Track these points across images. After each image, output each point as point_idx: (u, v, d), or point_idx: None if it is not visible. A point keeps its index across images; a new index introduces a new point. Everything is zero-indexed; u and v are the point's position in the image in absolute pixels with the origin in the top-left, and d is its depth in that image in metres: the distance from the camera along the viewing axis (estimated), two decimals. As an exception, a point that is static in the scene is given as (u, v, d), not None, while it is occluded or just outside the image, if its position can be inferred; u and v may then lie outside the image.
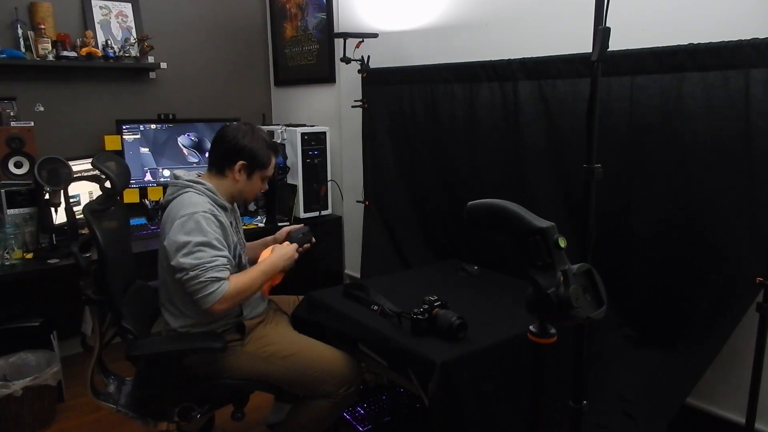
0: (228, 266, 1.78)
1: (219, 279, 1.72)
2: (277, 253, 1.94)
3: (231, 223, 1.92)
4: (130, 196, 3.09)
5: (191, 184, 1.85)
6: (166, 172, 3.20)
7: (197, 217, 1.74)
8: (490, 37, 2.42)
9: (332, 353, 1.90)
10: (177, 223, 1.74)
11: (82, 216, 2.63)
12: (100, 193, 1.88)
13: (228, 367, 1.85)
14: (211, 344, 1.77)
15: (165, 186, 3.21)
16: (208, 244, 1.73)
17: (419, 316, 1.70)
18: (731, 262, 1.76)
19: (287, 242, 2.03)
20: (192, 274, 1.71)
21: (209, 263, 1.72)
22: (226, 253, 1.79)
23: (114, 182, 1.82)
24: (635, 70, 1.86)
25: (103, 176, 1.81)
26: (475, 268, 2.29)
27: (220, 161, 1.91)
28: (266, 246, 2.10)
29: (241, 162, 1.88)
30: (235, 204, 2.05)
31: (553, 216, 1.16)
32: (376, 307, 1.88)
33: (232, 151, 1.89)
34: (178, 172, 1.94)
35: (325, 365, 1.85)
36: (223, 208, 1.90)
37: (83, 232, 2.51)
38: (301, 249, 2.03)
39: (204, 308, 1.73)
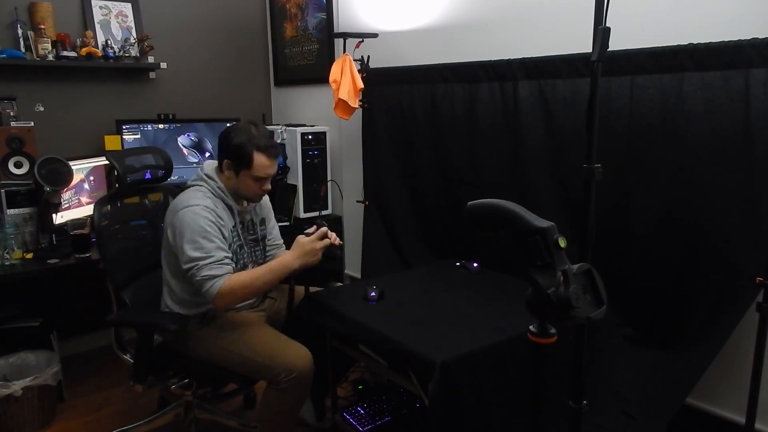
0: (226, 263, 1.81)
1: (213, 277, 1.77)
2: (293, 253, 1.90)
3: (235, 225, 1.96)
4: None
5: (206, 180, 1.93)
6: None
7: (196, 210, 1.82)
8: (490, 37, 2.42)
9: (282, 342, 1.90)
10: (178, 215, 1.83)
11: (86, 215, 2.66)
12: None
13: (187, 347, 1.95)
14: (167, 324, 1.86)
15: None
16: (204, 239, 1.79)
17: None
18: (731, 262, 1.76)
19: (305, 238, 1.92)
20: (191, 273, 1.80)
21: (205, 259, 1.78)
22: (221, 248, 1.82)
23: (119, 171, 2.03)
24: (635, 70, 1.86)
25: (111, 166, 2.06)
26: (475, 265, 2.28)
27: (218, 157, 1.97)
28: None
29: (226, 160, 1.92)
30: (255, 207, 2.09)
31: (553, 216, 1.16)
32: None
33: (223, 148, 1.94)
34: (206, 164, 2.01)
35: (269, 351, 1.85)
36: (229, 208, 1.94)
37: (83, 231, 2.52)
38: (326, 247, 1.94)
39: (210, 303, 1.83)
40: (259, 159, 1.89)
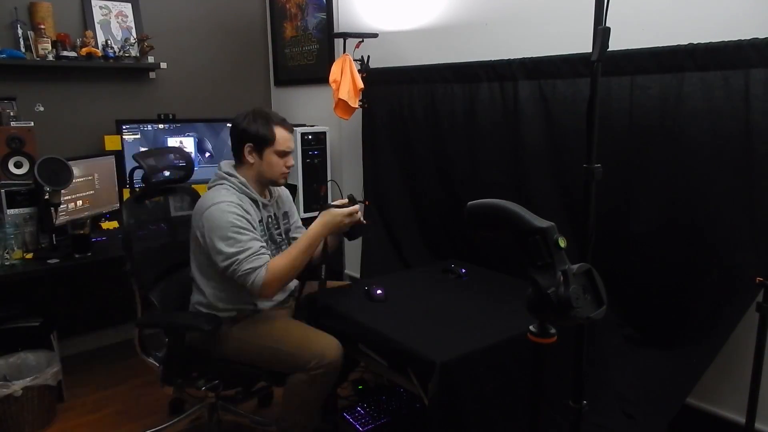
0: (262, 253, 1.85)
1: (255, 269, 1.81)
2: (319, 221, 1.93)
3: (262, 220, 2.00)
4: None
5: (227, 177, 1.95)
6: (167, 173, 3.19)
7: (222, 207, 1.84)
8: (490, 37, 2.42)
9: (311, 332, 1.92)
10: (205, 215, 1.85)
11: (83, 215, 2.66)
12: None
13: (216, 347, 1.94)
14: (201, 325, 1.85)
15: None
16: (237, 234, 1.82)
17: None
18: (731, 262, 1.76)
19: (335, 210, 1.93)
20: (231, 269, 1.82)
21: (242, 253, 1.81)
22: (255, 239, 1.86)
23: (146, 171, 2.05)
24: (635, 70, 1.86)
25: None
26: (463, 271, 2.19)
27: (234, 150, 2.00)
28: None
29: (248, 144, 1.94)
30: (276, 201, 2.11)
31: (553, 216, 1.16)
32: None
33: (238, 136, 1.97)
34: (223, 163, 2.03)
35: (300, 341, 1.87)
36: (255, 201, 1.97)
37: (83, 231, 2.52)
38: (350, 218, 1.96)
39: (255, 296, 1.88)
40: (280, 132, 1.96)
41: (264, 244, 1.89)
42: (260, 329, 1.95)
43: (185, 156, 2.31)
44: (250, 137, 1.94)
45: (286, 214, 2.18)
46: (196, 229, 1.90)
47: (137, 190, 2.25)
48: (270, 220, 2.06)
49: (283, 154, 1.98)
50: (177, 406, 2.48)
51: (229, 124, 3.27)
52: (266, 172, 1.98)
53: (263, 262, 1.82)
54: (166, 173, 2.17)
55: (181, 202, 2.29)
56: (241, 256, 1.81)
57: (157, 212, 2.20)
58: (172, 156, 2.26)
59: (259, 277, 1.80)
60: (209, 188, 1.97)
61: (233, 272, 1.82)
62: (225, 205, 1.85)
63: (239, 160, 1.99)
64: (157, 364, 2.00)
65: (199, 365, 1.98)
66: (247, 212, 1.90)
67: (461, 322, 1.81)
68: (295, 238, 2.14)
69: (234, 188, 1.94)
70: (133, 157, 2.01)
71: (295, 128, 3.10)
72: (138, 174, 2.20)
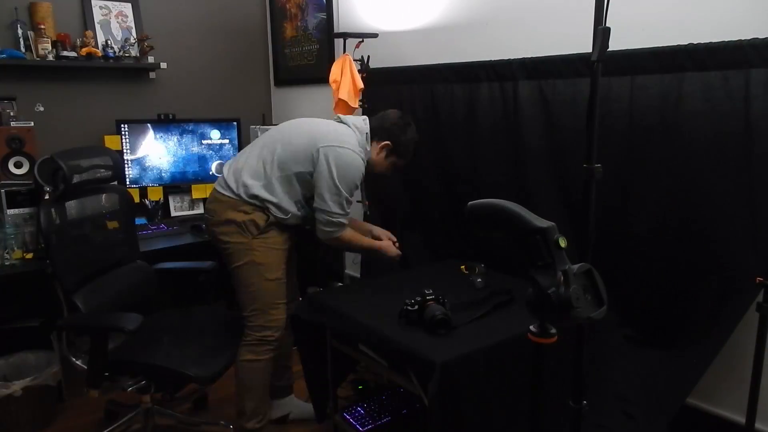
0: (348, 217, 2.09)
1: (342, 225, 2.06)
2: (383, 244, 2.24)
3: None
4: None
5: (358, 130, 2.09)
6: (88, 174, 3.15)
7: (356, 161, 2.01)
8: (490, 37, 2.42)
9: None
10: (339, 152, 1.97)
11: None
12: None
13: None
14: (123, 325, 1.80)
15: (165, 186, 3.21)
16: (349, 200, 2.03)
17: (409, 307, 1.75)
18: (731, 262, 1.76)
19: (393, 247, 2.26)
20: (326, 218, 2.01)
21: (343, 212, 2.03)
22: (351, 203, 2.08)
23: (65, 171, 1.99)
24: (635, 70, 1.86)
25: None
26: (479, 281, 2.14)
27: (376, 134, 2.12)
28: (368, 232, 2.33)
29: (388, 142, 2.12)
30: None
31: (553, 216, 1.16)
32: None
33: (391, 134, 2.12)
34: (356, 119, 2.15)
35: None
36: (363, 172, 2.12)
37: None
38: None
39: (319, 236, 2.06)
40: (410, 155, 2.19)
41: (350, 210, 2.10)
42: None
43: (113, 157, 2.25)
44: (395, 141, 2.12)
45: None
46: (321, 156, 1.96)
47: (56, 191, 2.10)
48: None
49: (396, 167, 2.20)
50: (109, 417, 2.40)
51: (229, 124, 3.32)
52: (376, 166, 2.15)
53: (347, 223, 2.09)
54: (89, 174, 2.11)
55: (108, 202, 2.27)
56: (342, 212, 2.02)
57: (83, 213, 2.14)
58: (96, 157, 2.18)
59: (337, 233, 2.05)
60: (339, 145, 2.00)
61: (330, 216, 2.00)
62: (359, 162, 2.03)
63: (372, 140, 2.12)
64: (83, 366, 1.97)
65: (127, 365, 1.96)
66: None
67: (461, 322, 1.81)
68: None
69: (359, 143, 2.06)
70: (52, 156, 1.99)
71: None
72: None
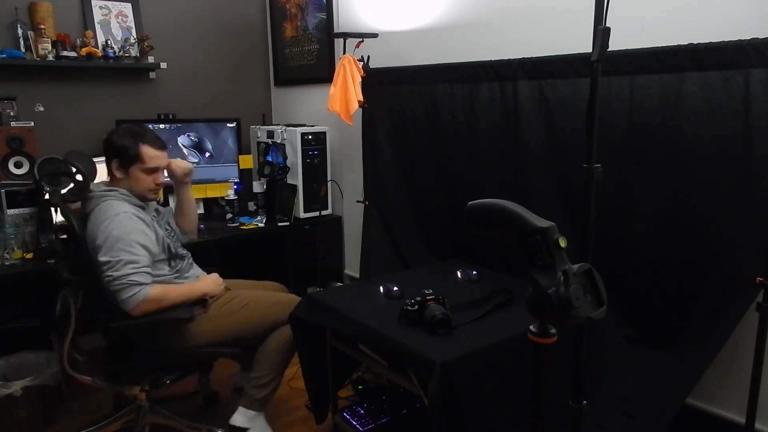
0: (149, 272, 1.89)
1: (139, 283, 1.84)
2: (202, 282, 2.12)
3: (153, 217, 2.06)
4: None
5: (108, 192, 1.96)
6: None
7: (120, 219, 1.89)
8: (490, 37, 2.42)
9: (270, 294, 2.22)
10: (101, 227, 1.87)
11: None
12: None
13: (194, 333, 2.00)
14: (180, 315, 1.93)
15: (165, 186, 3.20)
16: (130, 247, 1.86)
17: (409, 307, 1.75)
18: (731, 262, 1.76)
19: (214, 274, 2.19)
20: (114, 275, 1.83)
21: (130, 266, 1.84)
22: (145, 256, 1.88)
23: (85, 175, 2.00)
24: (635, 70, 1.86)
25: (75, 170, 1.98)
26: (474, 273, 2.22)
27: (106, 164, 2.03)
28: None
29: (115, 160, 2.00)
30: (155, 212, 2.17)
31: (553, 216, 1.16)
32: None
33: (106, 151, 2.02)
34: (94, 184, 2.04)
35: (271, 299, 2.15)
36: (141, 207, 2.02)
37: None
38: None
39: (125, 309, 1.85)
40: (147, 150, 2.00)
41: (149, 263, 1.91)
42: (226, 303, 2.08)
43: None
44: (115, 152, 1.99)
45: (168, 222, 2.23)
46: (96, 237, 1.87)
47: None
48: (154, 220, 2.08)
49: (152, 172, 2.02)
50: (119, 408, 2.35)
51: (229, 124, 3.32)
52: (134, 188, 2.02)
53: (149, 281, 1.88)
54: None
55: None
56: (130, 268, 1.84)
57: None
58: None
59: (142, 293, 1.84)
60: (94, 207, 1.94)
61: (116, 278, 1.83)
62: (128, 214, 1.91)
63: (111, 174, 2.03)
64: (105, 384, 2.06)
65: (163, 361, 2.04)
66: (142, 220, 1.95)
67: (461, 322, 1.81)
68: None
69: (122, 196, 1.97)
70: (65, 158, 2.08)
71: (295, 128, 3.13)
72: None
